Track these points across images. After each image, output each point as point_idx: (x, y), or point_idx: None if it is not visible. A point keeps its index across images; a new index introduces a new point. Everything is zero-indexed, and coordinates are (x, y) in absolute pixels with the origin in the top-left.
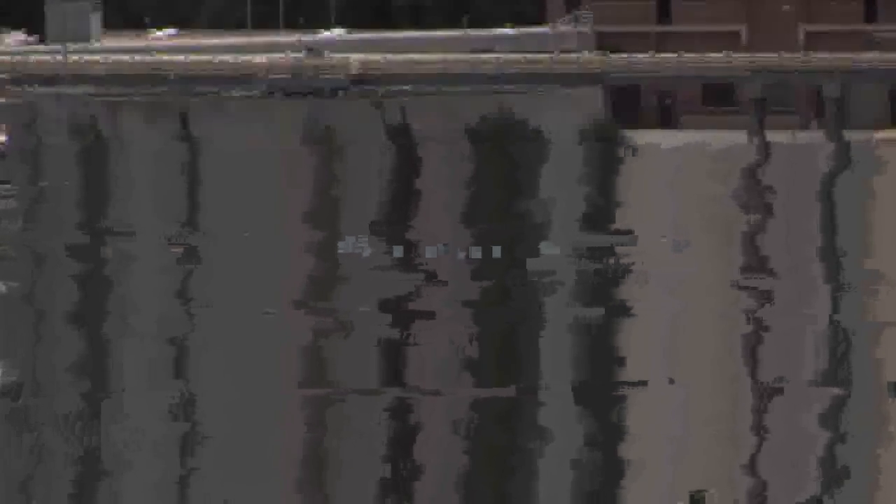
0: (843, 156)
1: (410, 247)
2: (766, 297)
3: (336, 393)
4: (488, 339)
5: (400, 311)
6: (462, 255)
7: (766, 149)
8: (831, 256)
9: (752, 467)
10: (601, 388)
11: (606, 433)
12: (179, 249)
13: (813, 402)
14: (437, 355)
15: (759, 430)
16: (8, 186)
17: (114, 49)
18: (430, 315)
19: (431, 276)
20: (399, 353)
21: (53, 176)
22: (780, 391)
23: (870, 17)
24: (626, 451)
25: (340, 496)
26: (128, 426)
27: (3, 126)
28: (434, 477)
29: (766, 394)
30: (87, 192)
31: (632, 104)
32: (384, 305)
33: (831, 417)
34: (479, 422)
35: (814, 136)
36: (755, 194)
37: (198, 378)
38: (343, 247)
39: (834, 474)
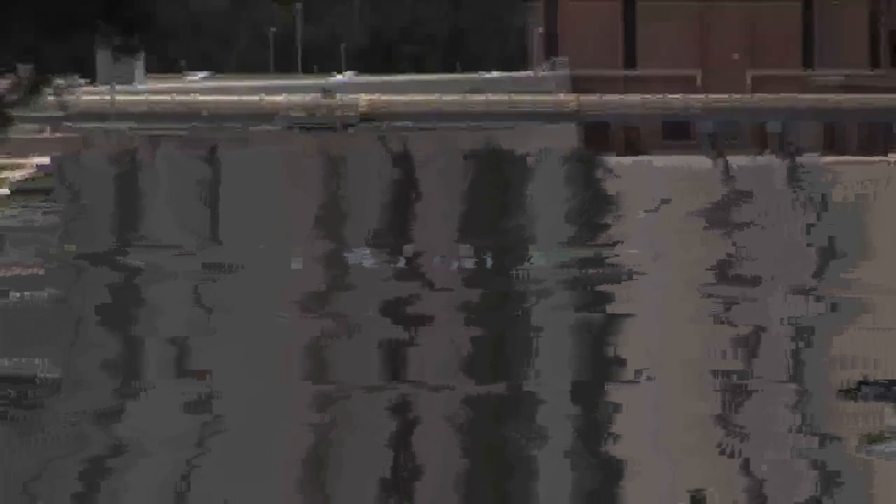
0: (796, 173)
1: (411, 258)
2: (733, 301)
3: (341, 390)
4: (482, 341)
5: (401, 316)
6: (456, 264)
7: (729, 169)
8: (793, 262)
9: (745, 468)
10: (588, 387)
11: (596, 432)
12: (202, 260)
13: (781, 398)
14: (435, 355)
15: (737, 427)
16: (51, 204)
17: (154, 90)
18: (429, 319)
19: (429, 284)
20: (400, 353)
21: (92, 195)
22: (751, 389)
23: (807, 63)
24: (617, 450)
25: (341, 496)
26: (150, 420)
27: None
28: (433, 473)
29: (737, 392)
30: (121, 209)
31: (602, 137)
32: (386, 310)
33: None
34: (476, 419)
35: (770, 159)
36: (722, 208)
37: (217, 377)
38: (351, 258)
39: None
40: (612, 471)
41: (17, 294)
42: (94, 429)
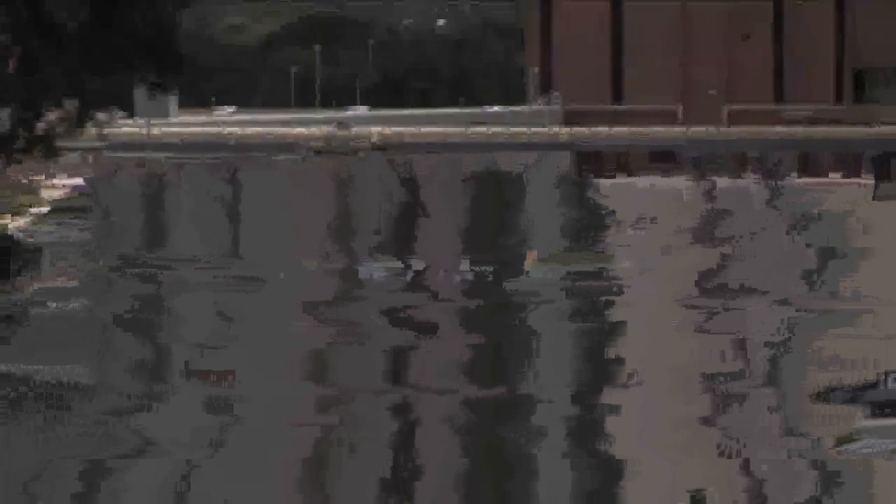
0: (776, 192)
1: (417, 271)
2: (713, 313)
3: (352, 392)
4: (482, 348)
5: (408, 323)
6: (458, 277)
7: (713, 189)
8: (769, 275)
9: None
10: (584, 390)
11: (592, 434)
12: (223, 273)
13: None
14: (438, 360)
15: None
16: (84, 221)
17: (186, 122)
18: (433, 327)
19: (434, 295)
20: (405, 358)
21: (123, 213)
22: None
23: (778, 98)
24: (614, 451)
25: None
26: (172, 420)
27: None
28: (433, 473)
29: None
30: (148, 226)
31: (594, 157)
32: (394, 319)
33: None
34: (477, 421)
35: (749, 180)
36: (705, 226)
37: (236, 380)
38: (361, 272)
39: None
40: (611, 470)
41: (54, 304)
42: (121, 428)
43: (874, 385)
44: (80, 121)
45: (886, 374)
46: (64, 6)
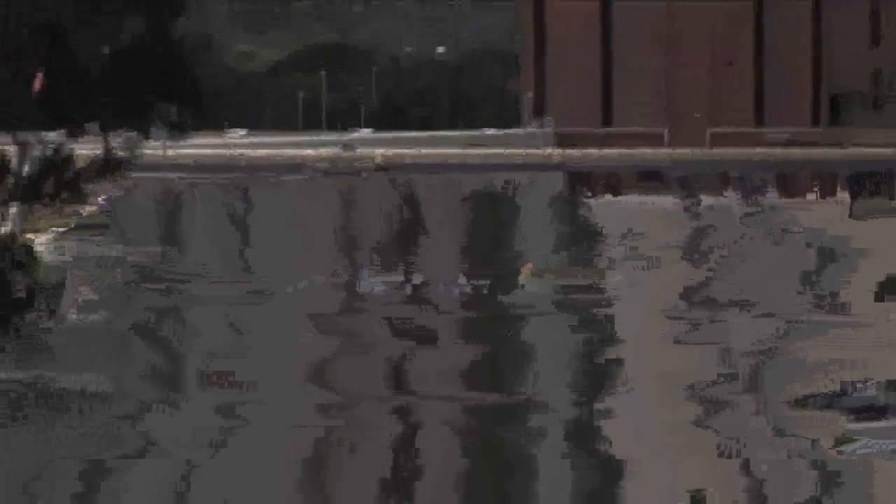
0: (757, 209)
1: (418, 284)
2: (697, 324)
3: (355, 398)
4: (479, 357)
5: (409, 334)
6: (457, 290)
7: (698, 205)
8: (755, 288)
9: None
10: (578, 395)
11: (590, 437)
12: (234, 287)
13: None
14: (438, 368)
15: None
16: (103, 237)
17: (200, 144)
18: (433, 337)
19: (434, 307)
20: (407, 366)
21: (139, 230)
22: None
23: (759, 121)
24: (611, 452)
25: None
26: (186, 425)
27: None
28: (434, 477)
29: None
30: (164, 242)
31: (585, 176)
32: (396, 330)
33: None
34: (475, 424)
35: (732, 198)
36: (690, 241)
37: (247, 387)
38: (363, 285)
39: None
40: (610, 470)
41: (75, 316)
42: (133, 432)
43: (850, 391)
44: (105, 165)
45: (864, 382)
46: (87, 46)
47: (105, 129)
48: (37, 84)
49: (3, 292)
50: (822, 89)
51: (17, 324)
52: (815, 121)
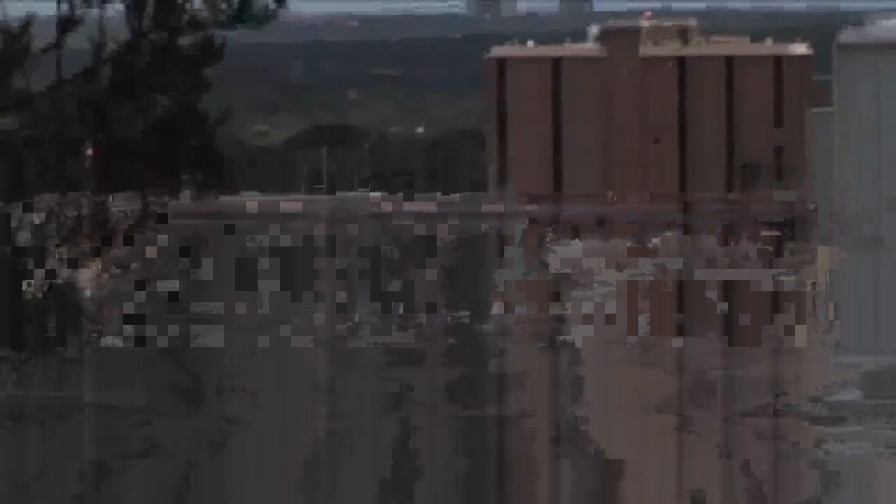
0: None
1: (406, 316)
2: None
3: (351, 415)
4: (462, 375)
5: (400, 354)
6: (439, 321)
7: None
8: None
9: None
10: (548, 405)
11: (572, 437)
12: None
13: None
14: (427, 382)
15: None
16: (132, 274)
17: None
18: (422, 356)
19: (422, 333)
20: (400, 381)
21: (164, 267)
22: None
23: (682, 188)
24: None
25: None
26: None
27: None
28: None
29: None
30: (186, 277)
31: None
32: (389, 351)
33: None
34: (461, 430)
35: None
36: (642, 275)
37: (257, 398)
38: (360, 314)
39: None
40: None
41: (112, 341)
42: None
43: (814, 401)
44: (143, 216)
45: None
46: (125, 122)
47: (142, 189)
48: (90, 154)
49: (60, 322)
50: (735, 160)
51: (62, 350)
52: (730, 188)
